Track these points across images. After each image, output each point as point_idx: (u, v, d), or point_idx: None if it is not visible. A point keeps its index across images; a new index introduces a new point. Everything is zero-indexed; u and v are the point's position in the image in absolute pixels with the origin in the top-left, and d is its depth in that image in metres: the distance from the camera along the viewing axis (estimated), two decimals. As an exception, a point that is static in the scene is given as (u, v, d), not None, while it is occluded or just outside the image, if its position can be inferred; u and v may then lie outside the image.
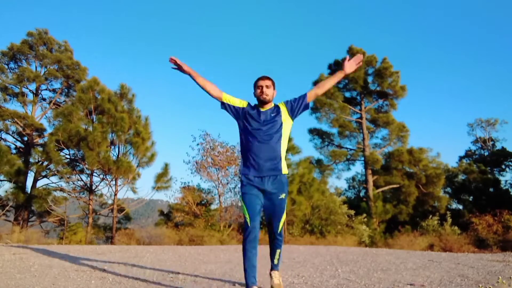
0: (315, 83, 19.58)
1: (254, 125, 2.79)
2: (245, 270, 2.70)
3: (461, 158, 29.18)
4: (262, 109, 2.85)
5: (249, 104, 2.91)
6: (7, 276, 3.57)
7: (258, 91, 2.83)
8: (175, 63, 2.86)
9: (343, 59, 2.91)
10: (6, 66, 16.67)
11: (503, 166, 26.00)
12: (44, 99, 17.77)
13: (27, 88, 16.86)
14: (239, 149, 15.48)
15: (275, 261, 2.96)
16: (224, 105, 2.90)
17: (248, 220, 2.72)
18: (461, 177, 22.36)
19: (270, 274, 2.96)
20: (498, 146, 29.55)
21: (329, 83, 2.98)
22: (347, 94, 20.65)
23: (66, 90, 18.00)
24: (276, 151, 2.77)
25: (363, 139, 19.53)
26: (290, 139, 13.32)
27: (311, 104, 2.97)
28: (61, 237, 12.73)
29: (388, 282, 3.38)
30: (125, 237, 12.12)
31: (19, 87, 16.49)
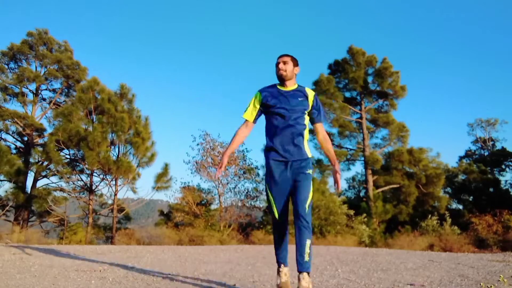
0: (315, 83, 19.58)
1: (278, 103, 2.69)
2: (276, 254, 2.74)
3: (461, 158, 29.20)
4: (283, 89, 2.76)
5: (263, 90, 2.79)
6: (7, 276, 3.57)
7: (276, 68, 2.76)
8: (220, 170, 2.79)
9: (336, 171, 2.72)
10: (6, 66, 16.68)
11: (503, 166, 26.01)
12: (44, 99, 17.80)
13: (27, 88, 16.87)
14: (239, 149, 15.33)
15: (306, 257, 2.45)
16: (255, 120, 2.85)
17: (276, 213, 2.64)
18: (461, 177, 22.36)
19: (298, 277, 2.48)
20: (498, 146, 29.61)
21: (328, 151, 2.84)
22: (347, 94, 20.63)
23: (66, 90, 18.01)
24: (301, 133, 2.68)
25: (363, 139, 19.51)
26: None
27: (310, 126, 2.87)
28: (61, 237, 12.74)
29: (388, 282, 3.39)
30: (125, 237, 12.13)
31: (19, 87, 16.50)
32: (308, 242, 2.48)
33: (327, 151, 2.84)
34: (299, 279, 2.46)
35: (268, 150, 2.73)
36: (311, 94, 2.78)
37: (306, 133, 2.75)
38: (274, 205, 2.65)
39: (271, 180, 2.67)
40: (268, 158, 2.70)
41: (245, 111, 2.83)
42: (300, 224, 2.49)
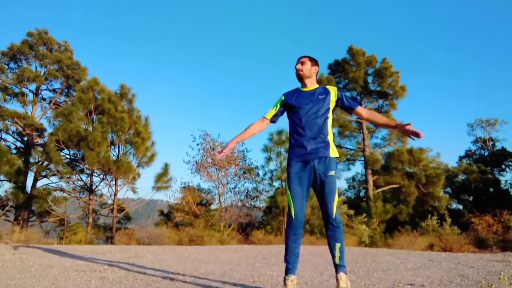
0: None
1: (300, 103, 2.75)
2: (285, 260, 2.65)
3: (461, 158, 29.24)
4: (305, 89, 2.84)
5: (286, 93, 2.89)
6: (7, 276, 3.57)
7: (295, 69, 2.86)
8: (223, 152, 2.82)
9: (408, 124, 2.58)
10: (6, 66, 16.68)
11: (503, 166, 26.02)
12: (44, 99, 17.80)
13: (27, 88, 16.87)
14: (239, 149, 15.32)
15: (337, 260, 2.60)
16: (274, 119, 2.92)
17: (293, 212, 2.62)
18: (461, 177, 22.36)
19: (336, 278, 2.60)
20: (498, 146, 29.63)
21: (380, 120, 2.84)
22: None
23: (66, 90, 18.01)
24: (323, 131, 2.70)
25: (363, 139, 19.52)
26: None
27: (353, 116, 2.93)
28: (61, 237, 12.72)
29: (388, 282, 3.39)
30: (125, 237, 12.12)
31: (19, 87, 16.50)
32: (338, 245, 2.60)
33: (380, 120, 2.84)
34: (337, 280, 2.58)
35: (290, 149, 2.76)
36: (333, 89, 2.84)
37: (330, 132, 2.75)
38: (292, 204, 2.63)
39: (291, 179, 2.67)
40: (290, 157, 2.73)
41: (267, 111, 2.94)
42: (329, 227, 2.61)
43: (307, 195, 2.67)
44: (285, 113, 2.91)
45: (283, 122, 31.59)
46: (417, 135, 2.54)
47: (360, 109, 2.86)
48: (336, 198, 2.62)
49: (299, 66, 2.84)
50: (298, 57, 2.91)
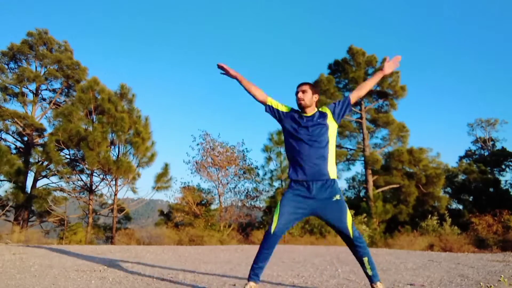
0: (315, 83, 19.59)
1: (299, 129, 2.78)
2: (252, 266, 2.68)
3: (461, 158, 29.24)
4: (305, 114, 2.85)
5: (293, 109, 2.92)
6: (7, 276, 3.57)
7: (296, 97, 2.87)
8: (223, 68, 2.96)
9: (384, 60, 2.84)
10: (6, 66, 16.68)
11: (503, 166, 26.01)
12: (44, 99, 17.79)
13: (27, 88, 16.86)
14: (239, 149, 15.28)
15: (369, 272, 2.68)
16: (268, 108, 2.93)
17: (273, 227, 2.62)
18: (461, 177, 22.35)
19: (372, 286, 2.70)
20: (498, 146, 29.64)
21: (369, 84, 2.99)
22: (347, 94, 20.60)
23: (66, 90, 18.00)
24: (323, 155, 2.71)
25: (363, 139, 19.51)
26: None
27: (352, 106, 2.99)
28: (61, 237, 12.73)
29: (388, 282, 3.39)
30: (125, 237, 12.12)
31: (19, 87, 16.50)
32: (365, 259, 2.69)
33: (370, 84, 3.00)
34: None
35: (291, 172, 2.78)
36: (325, 109, 2.87)
37: (329, 155, 2.75)
38: (276, 219, 2.64)
39: (285, 199, 2.69)
40: (290, 178, 2.76)
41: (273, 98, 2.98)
42: (353, 246, 2.70)
43: (296, 220, 2.69)
44: (277, 121, 2.96)
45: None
46: (397, 59, 2.97)
47: (352, 94, 2.93)
48: (349, 219, 2.66)
49: (300, 95, 2.83)
50: (299, 84, 2.90)
